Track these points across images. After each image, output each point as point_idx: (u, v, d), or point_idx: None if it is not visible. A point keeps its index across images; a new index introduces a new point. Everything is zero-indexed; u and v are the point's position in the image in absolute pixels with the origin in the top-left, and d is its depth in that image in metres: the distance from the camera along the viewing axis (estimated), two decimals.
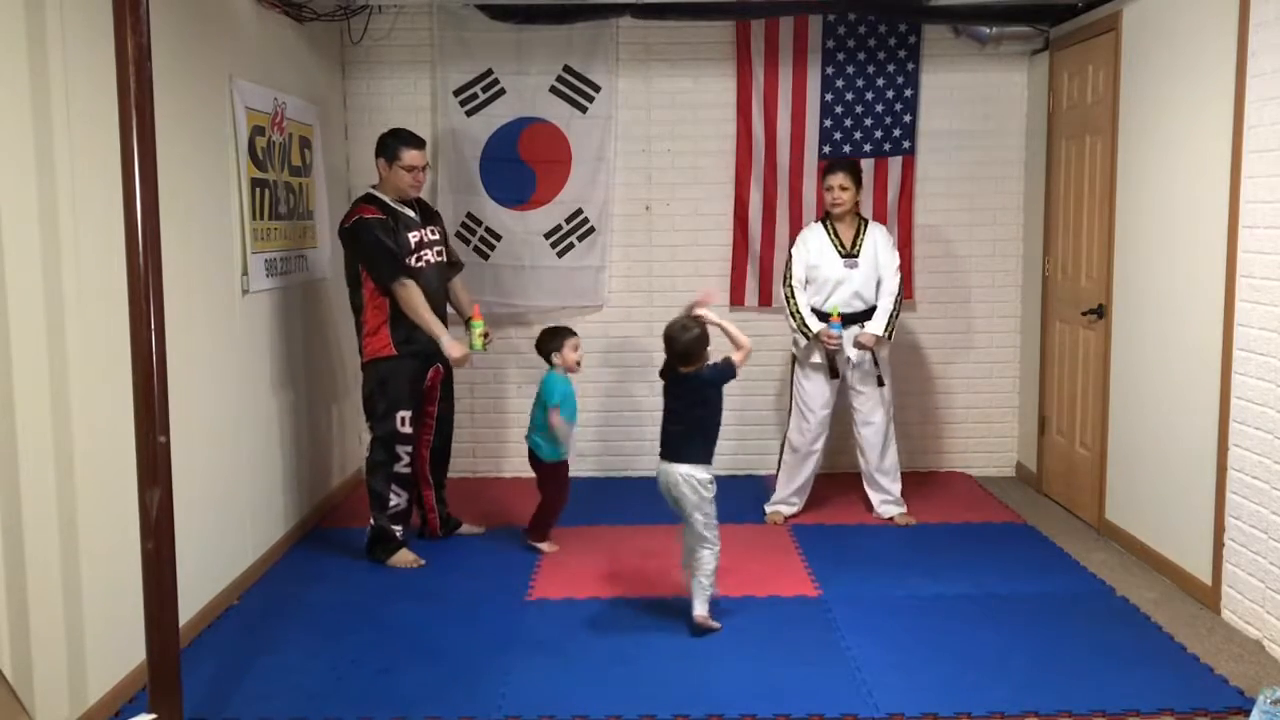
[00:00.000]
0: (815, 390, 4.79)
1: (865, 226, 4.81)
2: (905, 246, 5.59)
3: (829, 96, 5.50)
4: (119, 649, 3.14)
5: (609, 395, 5.70)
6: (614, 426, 5.72)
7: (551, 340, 4.49)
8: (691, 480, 3.60)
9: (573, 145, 5.54)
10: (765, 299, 5.61)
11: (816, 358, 4.76)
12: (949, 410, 5.74)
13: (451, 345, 4.25)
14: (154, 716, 2.77)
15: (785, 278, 4.82)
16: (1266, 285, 3.48)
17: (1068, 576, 4.20)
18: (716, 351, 3.73)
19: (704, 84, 5.55)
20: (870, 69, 5.48)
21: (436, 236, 4.45)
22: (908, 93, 5.51)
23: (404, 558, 4.36)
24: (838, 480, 5.37)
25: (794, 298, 4.75)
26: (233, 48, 4.11)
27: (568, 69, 5.50)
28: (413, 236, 4.29)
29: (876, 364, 4.76)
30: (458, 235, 5.57)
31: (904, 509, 4.93)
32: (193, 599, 3.60)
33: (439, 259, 4.43)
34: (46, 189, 2.83)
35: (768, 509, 4.99)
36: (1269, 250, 3.46)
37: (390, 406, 4.29)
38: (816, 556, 4.42)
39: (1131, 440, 4.45)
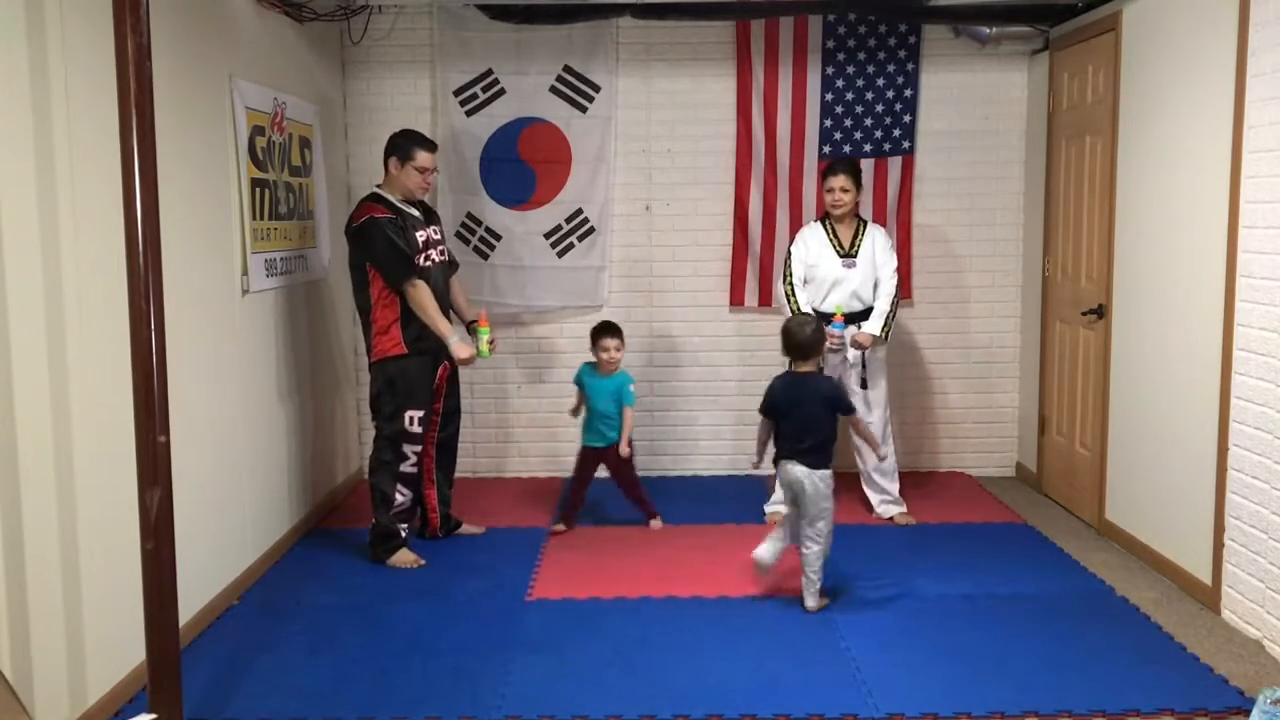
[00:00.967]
0: None
1: (864, 227, 4.81)
2: (905, 246, 5.59)
3: (829, 96, 5.50)
4: (119, 649, 3.15)
5: None
6: None
7: (594, 333, 4.79)
8: (814, 479, 3.78)
9: (573, 145, 5.54)
10: (765, 299, 5.61)
11: None
12: (949, 410, 5.74)
13: (459, 346, 4.28)
14: (154, 716, 2.77)
15: (785, 275, 4.83)
16: (1266, 285, 3.48)
17: (1068, 576, 4.20)
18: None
19: (704, 84, 5.55)
20: (870, 69, 5.48)
21: (439, 236, 4.48)
22: (908, 93, 5.51)
23: (405, 557, 4.36)
24: (837, 480, 5.33)
25: (794, 295, 4.75)
26: (233, 48, 4.11)
27: (568, 69, 5.50)
28: (419, 236, 4.30)
29: (865, 365, 4.76)
30: (458, 235, 5.58)
31: (904, 508, 4.94)
32: (193, 599, 3.60)
33: (442, 259, 4.45)
34: (46, 189, 2.83)
35: (767, 509, 4.98)
36: (1269, 250, 3.46)
37: (399, 406, 4.29)
38: None
39: (1131, 440, 4.45)
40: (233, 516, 4.05)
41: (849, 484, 5.18)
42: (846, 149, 5.52)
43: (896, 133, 5.54)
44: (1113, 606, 3.89)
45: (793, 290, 4.76)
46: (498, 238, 5.59)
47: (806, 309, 4.71)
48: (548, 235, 5.60)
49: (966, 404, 5.75)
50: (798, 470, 3.81)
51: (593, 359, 4.80)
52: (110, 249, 2.94)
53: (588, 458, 4.80)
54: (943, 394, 5.73)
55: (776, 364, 5.61)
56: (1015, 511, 5.09)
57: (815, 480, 3.79)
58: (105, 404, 3.06)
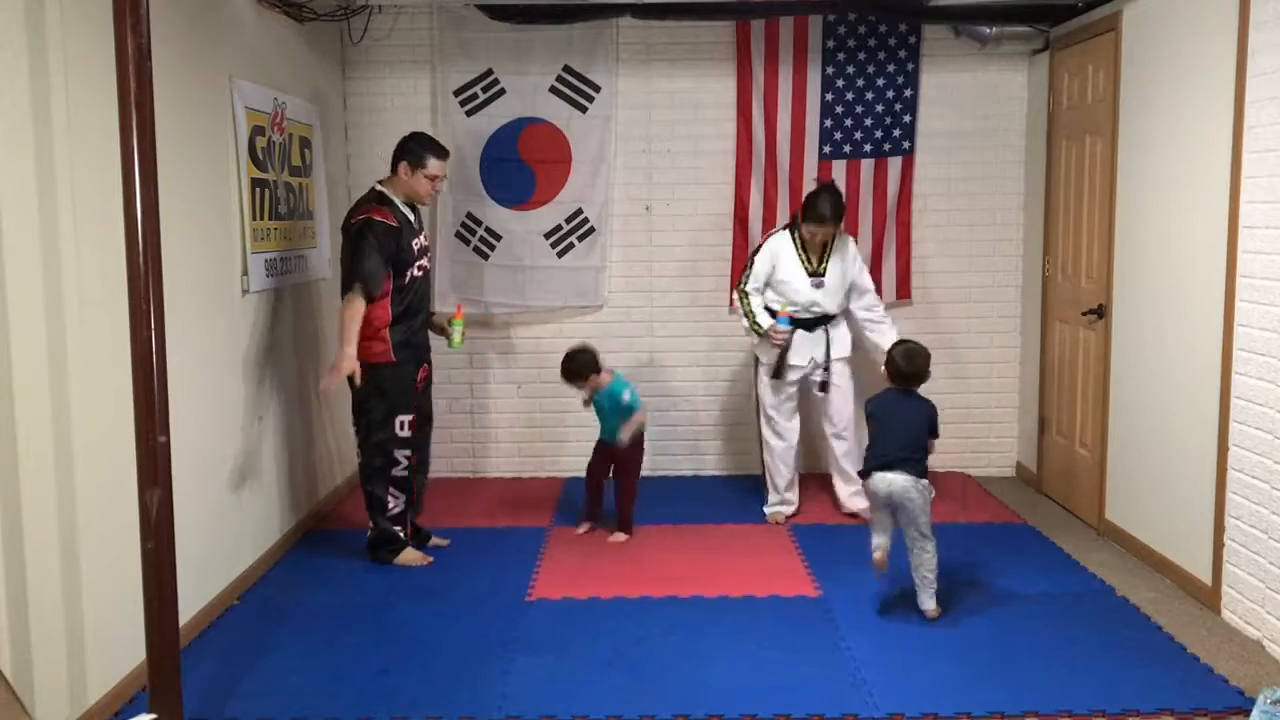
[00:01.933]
0: (772, 390, 4.83)
1: (833, 239, 4.79)
2: (905, 246, 5.59)
3: (829, 96, 5.50)
4: (119, 649, 3.15)
5: None
6: None
7: (575, 377, 4.70)
8: (919, 487, 3.73)
9: (573, 145, 5.54)
10: None
11: (765, 357, 4.81)
12: (949, 410, 5.71)
13: (348, 360, 4.03)
14: (154, 716, 2.77)
15: (742, 280, 4.83)
16: (1266, 285, 3.48)
17: (1068, 576, 4.20)
18: None
19: (704, 84, 5.55)
20: (870, 69, 5.48)
21: (427, 243, 4.45)
22: (907, 93, 5.51)
23: (411, 556, 4.35)
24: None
25: (748, 299, 4.77)
26: (233, 48, 4.10)
27: (568, 69, 5.50)
28: (414, 244, 4.28)
29: (828, 369, 4.78)
30: (458, 235, 5.58)
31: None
32: (193, 599, 3.60)
33: (427, 269, 4.40)
34: (46, 189, 2.83)
35: (767, 511, 4.99)
36: (1269, 250, 3.46)
37: (389, 412, 4.26)
38: (816, 556, 4.42)
39: (1131, 440, 4.45)
40: (232, 516, 4.04)
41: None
42: (846, 149, 5.52)
43: (896, 133, 5.53)
44: (1113, 606, 3.89)
45: (746, 295, 4.77)
46: (498, 238, 5.59)
47: (760, 309, 4.72)
48: (548, 235, 5.59)
49: (966, 404, 5.75)
50: (902, 481, 3.74)
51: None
52: (110, 249, 2.94)
53: (602, 453, 4.80)
54: (943, 394, 5.70)
55: None
56: (1015, 511, 5.09)
57: (920, 488, 3.76)
58: (105, 404, 3.07)
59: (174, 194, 3.44)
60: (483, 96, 5.51)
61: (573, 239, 5.60)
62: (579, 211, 5.58)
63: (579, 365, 4.64)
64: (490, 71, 5.49)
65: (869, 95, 5.51)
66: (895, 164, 5.55)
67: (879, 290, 5.41)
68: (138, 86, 2.64)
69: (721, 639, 3.60)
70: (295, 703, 3.17)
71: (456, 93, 5.50)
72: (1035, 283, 5.48)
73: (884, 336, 4.73)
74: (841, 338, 4.84)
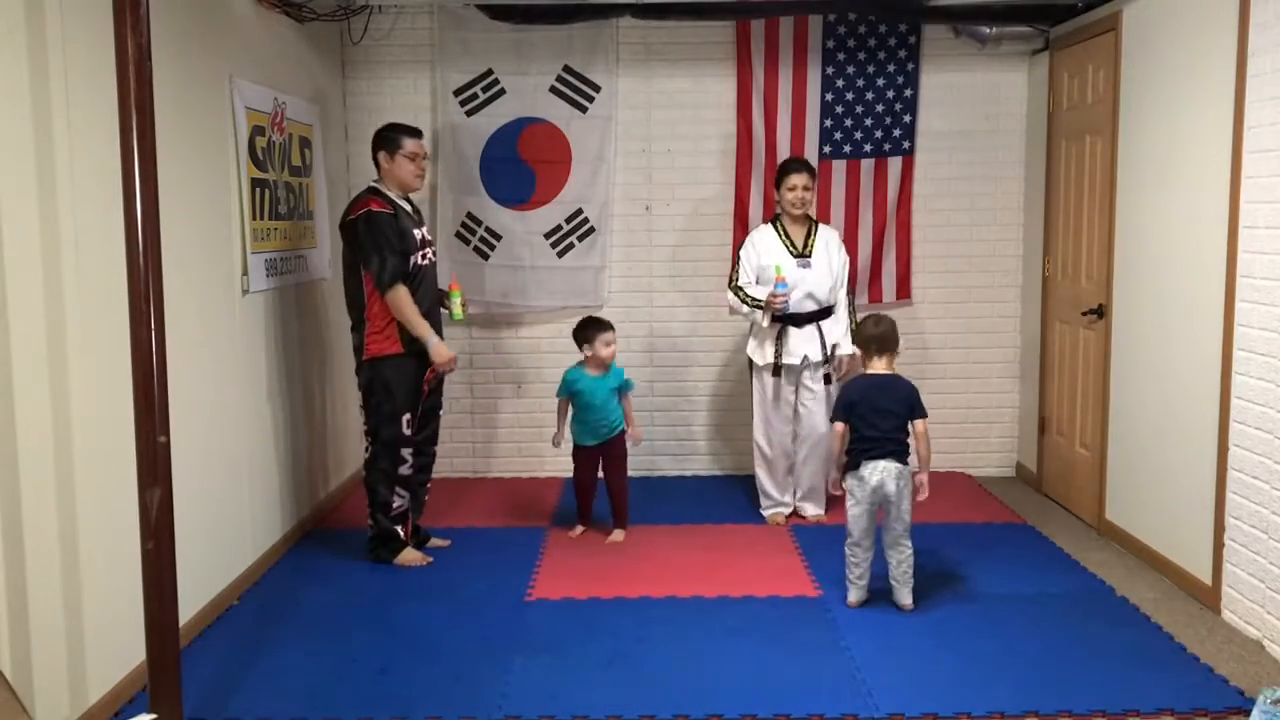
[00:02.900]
0: (768, 390, 4.82)
1: (815, 227, 4.80)
2: (905, 246, 5.60)
3: (829, 96, 5.50)
4: (119, 649, 3.15)
5: None
6: None
7: (584, 330, 4.60)
8: (907, 475, 3.77)
9: (573, 145, 5.54)
10: None
11: (761, 360, 4.78)
12: (949, 410, 5.74)
13: (439, 349, 4.20)
14: (154, 716, 2.77)
15: (730, 279, 4.82)
16: (1266, 285, 3.48)
17: (1068, 576, 4.20)
18: None
19: (704, 84, 5.55)
20: (870, 69, 5.48)
21: (430, 236, 4.46)
22: (907, 93, 5.51)
23: (411, 556, 4.35)
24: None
25: (740, 291, 4.74)
26: (233, 48, 4.11)
27: (568, 69, 5.50)
28: (416, 234, 4.28)
29: (828, 361, 4.77)
30: (457, 235, 5.58)
31: (821, 512, 4.95)
32: (193, 599, 3.60)
33: (434, 258, 4.42)
34: (46, 189, 2.84)
35: (765, 513, 4.99)
36: (1269, 250, 3.46)
37: (396, 409, 4.24)
38: (816, 556, 4.42)
39: (1131, 440, 4.45)
40: (232, 516, 4.05)
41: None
42: (846, 149, 5.52)
43: (896, 133, 5.54)
44: (1113, 606, 3.89)
45: (740, 289, 4.74)
46: (498, 238, 5.59)
47: (759, 291, 4.69)
48: (548, 235, 5.60)
49: (966, 404, 5.75)
50: (896, 468, 3.75)
51: (577, 362, 4.64)
52: (110, 249, 2.94)
53: (588, 457, 4.70)
54: (943, 394, 5.72)
55: None
56: (1015, 511, 5.09)
57: (908, 475, 3.79)
58: (105, 404, 3.07)
59: (174, 194, 3.44)
60: (483, 96, 5.51)
61: (573, 239, 5.60)
62: (579, 211, 5.59)
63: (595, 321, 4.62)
64: (490, 71, 5.49)
65: (869, 95, 5.51)
66: (895, 164, 5.55)
67: (879, 291, 5.41)
68: (138, 87, 2.64)
69: (722, 639, 3.60)
70: (295, 703, 3.17)
71: (456, 93, 5.50)
72: (1035, 283, 5.48)
73: (843, 343, 4.74)
74: (834, 330, 4.79)
